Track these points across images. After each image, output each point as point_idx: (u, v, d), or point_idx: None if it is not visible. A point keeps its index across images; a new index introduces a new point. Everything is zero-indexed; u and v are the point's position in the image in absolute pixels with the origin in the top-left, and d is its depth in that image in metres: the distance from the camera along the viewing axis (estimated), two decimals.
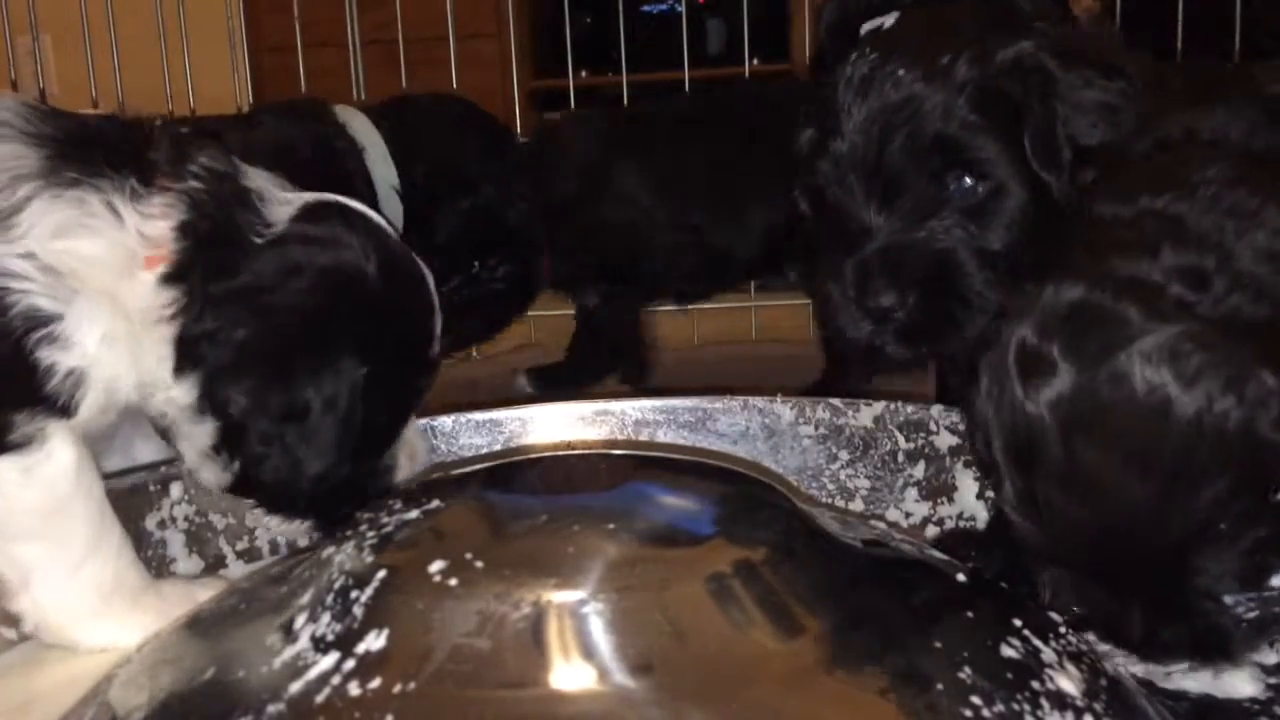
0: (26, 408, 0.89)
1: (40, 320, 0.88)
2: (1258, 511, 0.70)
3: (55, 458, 0.91)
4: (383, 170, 1.71)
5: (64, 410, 0.90)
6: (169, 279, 0.93)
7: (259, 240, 0.96)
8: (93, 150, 0.94)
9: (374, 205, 1.67)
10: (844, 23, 1.38)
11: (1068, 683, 0.70)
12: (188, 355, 0.94)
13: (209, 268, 0.94)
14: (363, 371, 0.96)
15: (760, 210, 2.02)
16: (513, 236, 1.86)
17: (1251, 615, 0.79)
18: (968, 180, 0.95)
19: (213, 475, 0.99)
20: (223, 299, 0.93)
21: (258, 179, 0.99)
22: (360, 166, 1.69)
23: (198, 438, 0.97)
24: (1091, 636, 0.79)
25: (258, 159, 1.03)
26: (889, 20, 1.08)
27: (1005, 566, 0.87)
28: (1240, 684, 0.81)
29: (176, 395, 0.95)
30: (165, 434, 1.01)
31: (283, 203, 0.99)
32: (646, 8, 4.98)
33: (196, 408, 0.95)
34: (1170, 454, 0.68)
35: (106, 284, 0.91)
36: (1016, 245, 0.96)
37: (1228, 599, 0.75)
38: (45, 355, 0.89)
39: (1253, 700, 0.80)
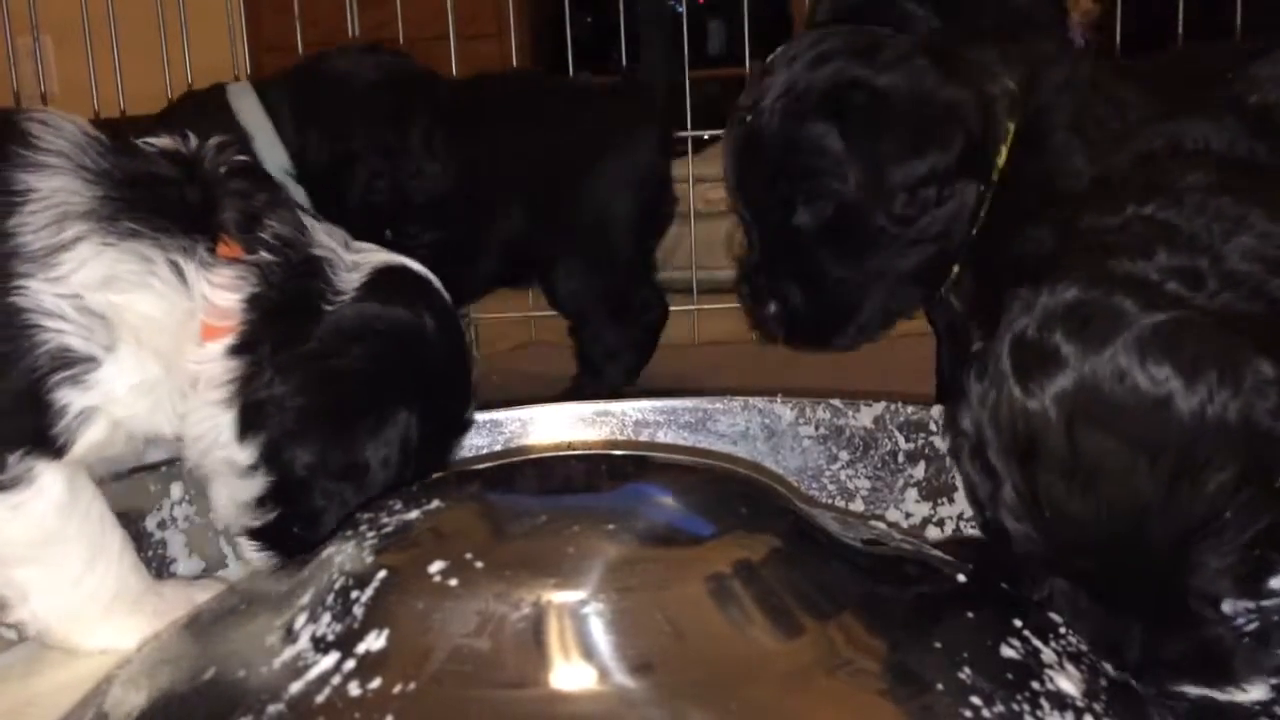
0: (21, 448, 0.87)
1: (68, 361, 0.87)
2: (1263, 501, 0.69)
3: (45, 494, 0.89)
4: (273, 155, 1.64)
5: (57, 451, 0.89)
6: (237, 350, 0.93)
7: (329, 308, 0.97)
8: (157, 201, 0.92)
9: None
10: (836, 22, 1.40)
11: (1068, 683, 0.70)
12: (251, 419, 0.94)
13: (278, 338, 0.94)
14: (416, 432, 0.99)
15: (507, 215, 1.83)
16: (424, 205, 1.75)
17: (1251, 627, 0.79)
18: (813, 205, 1.06)
19: (242, 522, 1.00)
20: (290, 366, 0.94)
21: (326, 243, 1.00)
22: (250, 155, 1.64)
23: (241, 490, 0.97)
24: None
25: None
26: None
27: (1006, 572, 0.87)
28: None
29: (237, 456, 0.95)
30: (199, 480, 1.02)
31: (350, 268, 1.00)
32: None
33: (253, 466, 0.95)
34: (1174, 444, 0.68)
35: (157, 343, 0.91)
36: (881, 250, 1.06)
37: (1227, 608, 0.75)
38: (61, 396, 0.87)
39: (1254, 701, 0.80)
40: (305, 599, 0.74)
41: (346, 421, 0.96)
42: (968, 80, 1.05)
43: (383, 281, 1.00)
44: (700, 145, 2.56)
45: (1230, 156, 0.94)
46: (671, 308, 2.50)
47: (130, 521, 1.05)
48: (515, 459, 0.93)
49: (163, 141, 0.97)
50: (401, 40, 2.34)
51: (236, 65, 2.60)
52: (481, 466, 0.91)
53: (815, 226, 1.05)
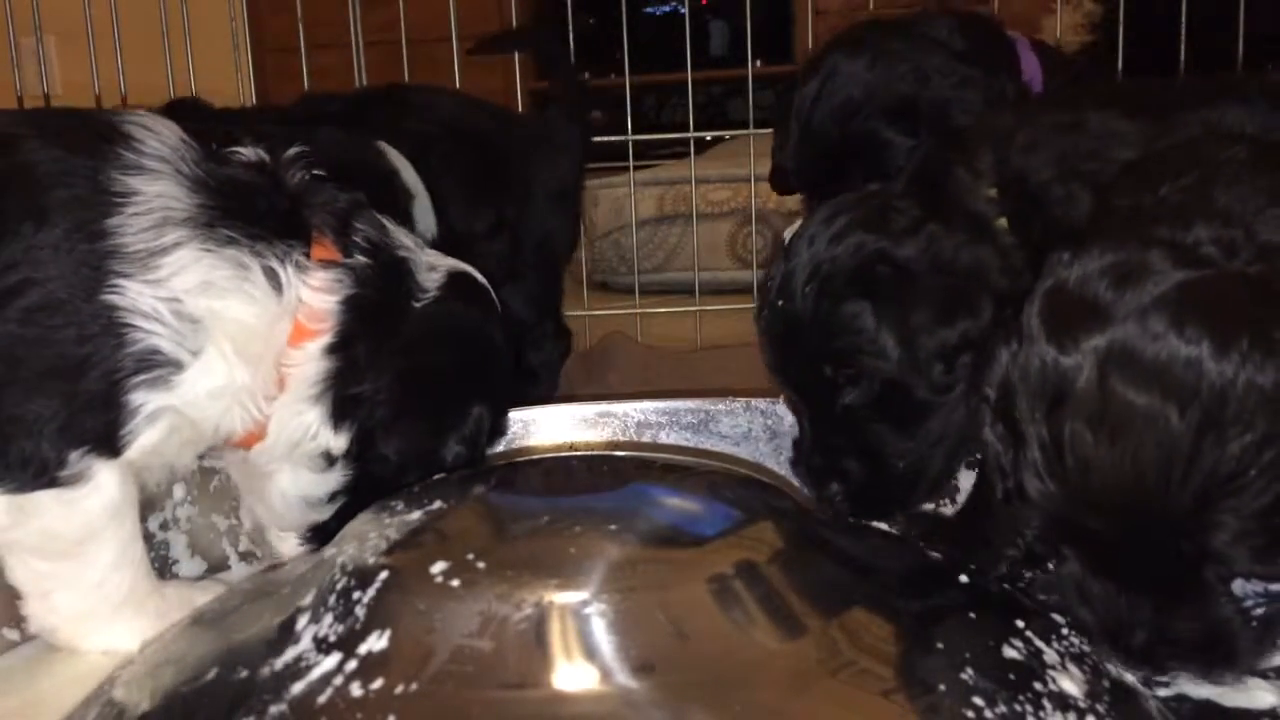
0: (84, 446, 0.88)
1: (153, 364, 0.87)
2: None
3: (101, 492, 0.90)
4: (425, 221, 1.61)
5: (116, 450, 0.89)
6: (333, 350, 0.95)
7: (416, 305, 1.01)
8: (250, 208, 0.93)
9: None
10: (800, 171, 1.46)
11: (1070, 684, 0.70)
12: (345, 412, 0.97)
13: (374, 337, 0.97)
14: (488, 423, 1.04)
15: None
16: None
17: (1259, 612, 0.79)
18: (859, 384, 1.04)
19: (300, 519, 1.02)
20: (383, 362, 0.97)
21: (407, 244, 1.04)
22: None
23: (316, 485, 1.00)
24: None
25: None
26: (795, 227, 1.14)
27: (975, 554, 0.87)
28: (1261, 694, 0.80)
29: (332, 445, 0.98)
30: (254, 485, 1.04)
31: (429, 268, 1.04)
32: (649, 9, 4.98)
33: (341, 457, 0.99)
34: (1203, 401, 0.69)
35: (249, 347, 0.91)
36: (934, 415, 1.04)
37: (1237, 588, 0.75)
38: (137, 398, 0.88)
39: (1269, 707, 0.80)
40: (307, 599, 0.74)
41: (436, 415, 1.01)
42: (974, 227, 1.04)
43: (459, 284, 1.05)
44: (702, 146, 2.55)
45: (1266, 139, 0.94)
46: (674, 309, 2.51)
47: None
48: (517, 460, 0.93)
49: (246, 151, 0.98)
50: (404, 42, 2.34)
51: (239, 66, 2.60)
52: (484, 468, 0.91)
53: (865, 403, 1.05)
